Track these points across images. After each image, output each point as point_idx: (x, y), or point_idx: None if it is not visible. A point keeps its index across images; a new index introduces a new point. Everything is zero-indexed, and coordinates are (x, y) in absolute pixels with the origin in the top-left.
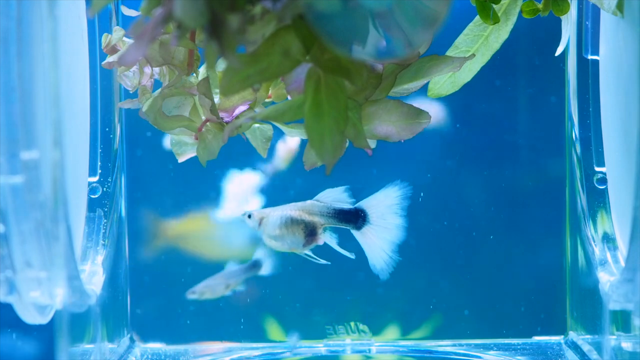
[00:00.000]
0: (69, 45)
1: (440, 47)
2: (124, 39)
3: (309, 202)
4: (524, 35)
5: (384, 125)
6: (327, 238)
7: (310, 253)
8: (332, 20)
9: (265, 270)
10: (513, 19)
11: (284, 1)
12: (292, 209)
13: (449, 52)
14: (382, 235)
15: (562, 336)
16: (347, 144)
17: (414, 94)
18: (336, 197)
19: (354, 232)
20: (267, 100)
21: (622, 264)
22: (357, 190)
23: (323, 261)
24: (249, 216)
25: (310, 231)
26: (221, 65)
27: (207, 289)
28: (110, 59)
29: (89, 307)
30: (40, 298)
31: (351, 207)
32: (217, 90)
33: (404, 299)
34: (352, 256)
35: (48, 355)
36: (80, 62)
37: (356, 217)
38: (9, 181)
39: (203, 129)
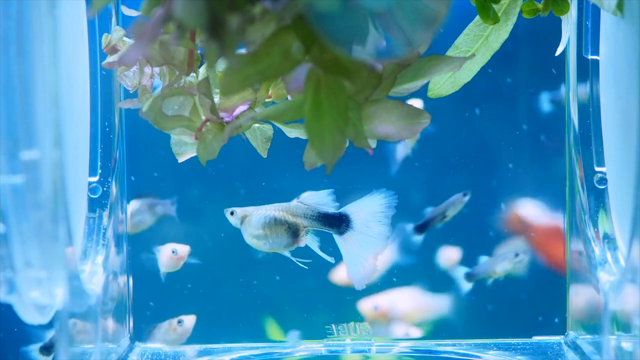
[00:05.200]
0: (69, 45)
1: (440, 47)
2: (124, 39)
3: (293, 203)
4: (524, 34)
5: (384, 125)
6: (308, 241)
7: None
8: (332, 20)
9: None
10: (513, 18)
11: (284, 1)
12: (275, 209)
13: (449, 52)
14: (363, 244)
15: (562, 336)
16: (347, 144)
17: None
18: (319, 199)
19: (336, 237)
20: (267, 100)
21: (622, 263)
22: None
23: (304, 260)
24: (232, 213)
25: (293, 232)
26: (221, 65)
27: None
28: (110, 59)
29: (89, 307)
30: (40, 298)
31: (335, 211)
32: (217, 90)
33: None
34: (331, 260)
35: None
36: (80, 62)
37: (340, 222)
38: (9, 181)
39: (203, 129)
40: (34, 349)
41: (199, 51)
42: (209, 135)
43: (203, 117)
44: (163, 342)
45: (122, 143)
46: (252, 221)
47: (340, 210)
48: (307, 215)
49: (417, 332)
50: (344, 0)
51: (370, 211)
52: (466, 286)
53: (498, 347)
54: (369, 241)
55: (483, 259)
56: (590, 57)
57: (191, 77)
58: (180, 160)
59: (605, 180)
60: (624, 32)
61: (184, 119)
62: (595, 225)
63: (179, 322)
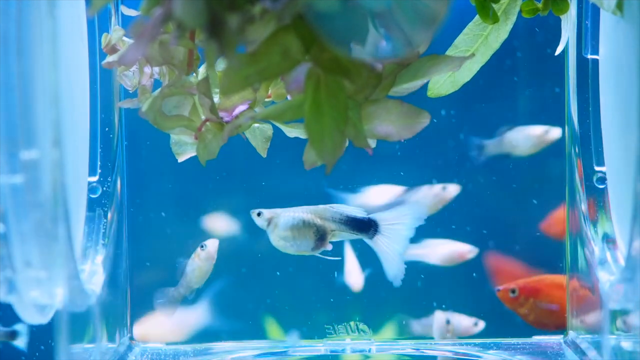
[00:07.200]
0: (69, 45)
1: (440, 47)
2: (124, 38)
3: (321, 206)
4: (523, 34)
5: (384, 125)
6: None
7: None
8: (332, 20)
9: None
10: (513, 18)
11: (283, 1)
12: (304, 212)
13: (448, 52)
14: (392, 247)
15: (562, 336)
16: (347, 144)
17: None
18: (350, 209)
19: (367, 240)
20: (267, 99)
21: (622, 263)
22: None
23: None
24: (259, 214)
25: (321, 235)
26: (221, 64)
27: None
28: (110, 58)
29: (89, 307)
30: (40, 298)
31: (364, 216)
32: (217, 90)
33: (404, 298)
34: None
35: None
36: (80, 62)
37: (368, 227)
38: (9, 181)
39: (203, 129)
40: None
41: (198, 51)
42: (208, 135)
43: (203, 117)
44: (191, 271)
45: (122, 143)
46: (280, 223)
47: (369, 216)
48: (335, 218)
49: None
50: (343, 0)
51: (399, 221)
52: None
53: (498, 347)
54: (396, 244)
55: None
56: (590, 56)
57: (191, 77)
58: (180, 160)
59: (605, 179)
60: (623, 31)
61: (183, 118)
62: (594, 224)
63: (202, 246)
